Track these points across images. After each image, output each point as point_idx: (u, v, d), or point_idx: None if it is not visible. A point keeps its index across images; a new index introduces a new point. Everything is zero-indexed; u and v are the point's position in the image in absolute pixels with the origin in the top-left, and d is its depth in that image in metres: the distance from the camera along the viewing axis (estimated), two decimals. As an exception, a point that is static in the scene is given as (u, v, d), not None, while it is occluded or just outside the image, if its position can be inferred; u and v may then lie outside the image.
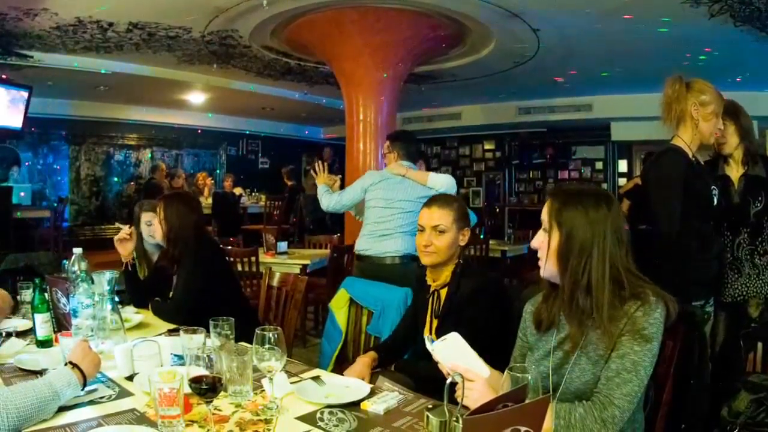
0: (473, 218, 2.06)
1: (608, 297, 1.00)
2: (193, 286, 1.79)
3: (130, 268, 1.98)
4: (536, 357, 1.10)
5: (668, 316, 1.01)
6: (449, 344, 1.03)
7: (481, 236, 4.43)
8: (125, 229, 1.99)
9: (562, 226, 1.04)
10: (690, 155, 1.63)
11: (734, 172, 1.82)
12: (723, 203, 1.75)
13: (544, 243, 1.06)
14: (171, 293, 1.88)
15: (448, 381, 0.86)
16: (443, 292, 1.51)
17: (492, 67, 5.29)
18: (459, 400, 0.92)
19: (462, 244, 1.51)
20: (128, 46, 4.66)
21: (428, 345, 1.05)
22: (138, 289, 1.96)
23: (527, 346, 1.15)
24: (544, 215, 1.07)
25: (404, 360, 1.64)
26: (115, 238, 2.00)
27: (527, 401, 0.77)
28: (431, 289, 1.54)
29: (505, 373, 0.90)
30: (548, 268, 1.06)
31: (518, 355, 1.17)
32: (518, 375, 0.86)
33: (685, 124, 1.63)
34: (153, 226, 2.16)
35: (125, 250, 1.99)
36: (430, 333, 1.51)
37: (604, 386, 0.98)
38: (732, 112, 1.77)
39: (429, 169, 2.98)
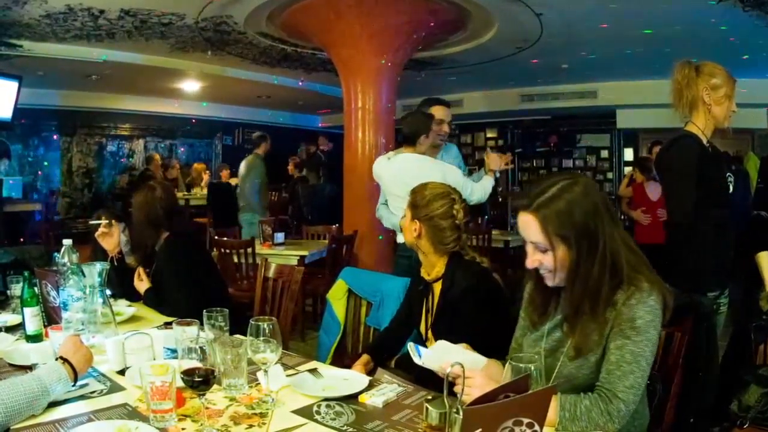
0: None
1: (607, 286, 0.97)
2: (184, 281, 1.75)
3: (116, 263, 1.93)
4: (533, 338, 1.10)
5: (665, 302, 0.98)
6: (437, 350, 1.01)
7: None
8: (103, 224, 1.94)
9: (562, 238, 0.97)
10: (704, 141, 1.59)
11: None
12: None
13: (548, 261, 0.99)
14: (151, 284, 1.83)
15: (448, 371, 0.84)
16: (437, 287, 1.48)
17: (494, 53, 5.20)
18: (459, 392, 0.90)
19: (414, 235, 1.47)
20: (120, 33, 4.56)
21: (416, 360, 1.02)
22: (127, 282, 1.89)
23: (527, 326, 1.14)
24: (535, 236, 0.99)
25: (404, 356, 1.61)
26: (96, 234, 1.96)
27: (530, 392, 0.74)
28: (425, 282, 1.52)
29: (507, 363, 0.87)
30: (559, 277, 1.00)
31: (519, 335, 1.16)
32: (521, 365, 0.83)
33: (698, 110, 1.59)
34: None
35: (109, 244, 1.96)
36: (426, 329, 1.49)
37: (606, 379, 0.96)
38: None
39: None
